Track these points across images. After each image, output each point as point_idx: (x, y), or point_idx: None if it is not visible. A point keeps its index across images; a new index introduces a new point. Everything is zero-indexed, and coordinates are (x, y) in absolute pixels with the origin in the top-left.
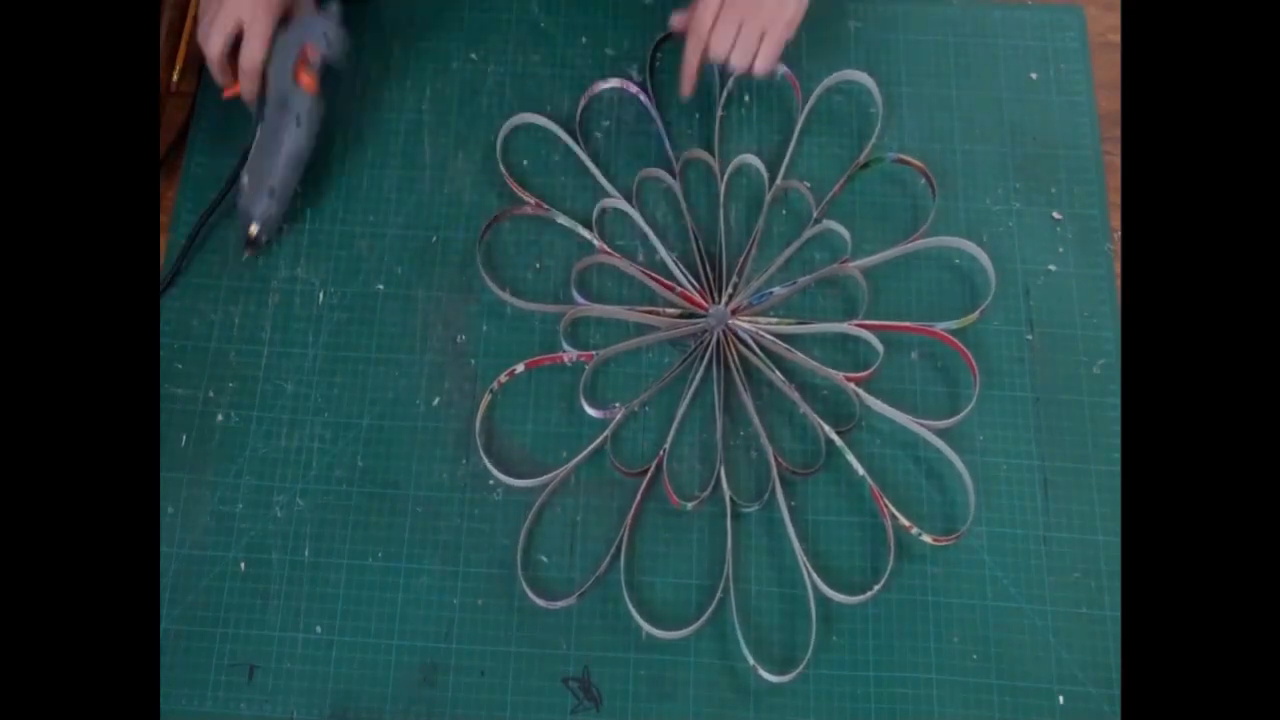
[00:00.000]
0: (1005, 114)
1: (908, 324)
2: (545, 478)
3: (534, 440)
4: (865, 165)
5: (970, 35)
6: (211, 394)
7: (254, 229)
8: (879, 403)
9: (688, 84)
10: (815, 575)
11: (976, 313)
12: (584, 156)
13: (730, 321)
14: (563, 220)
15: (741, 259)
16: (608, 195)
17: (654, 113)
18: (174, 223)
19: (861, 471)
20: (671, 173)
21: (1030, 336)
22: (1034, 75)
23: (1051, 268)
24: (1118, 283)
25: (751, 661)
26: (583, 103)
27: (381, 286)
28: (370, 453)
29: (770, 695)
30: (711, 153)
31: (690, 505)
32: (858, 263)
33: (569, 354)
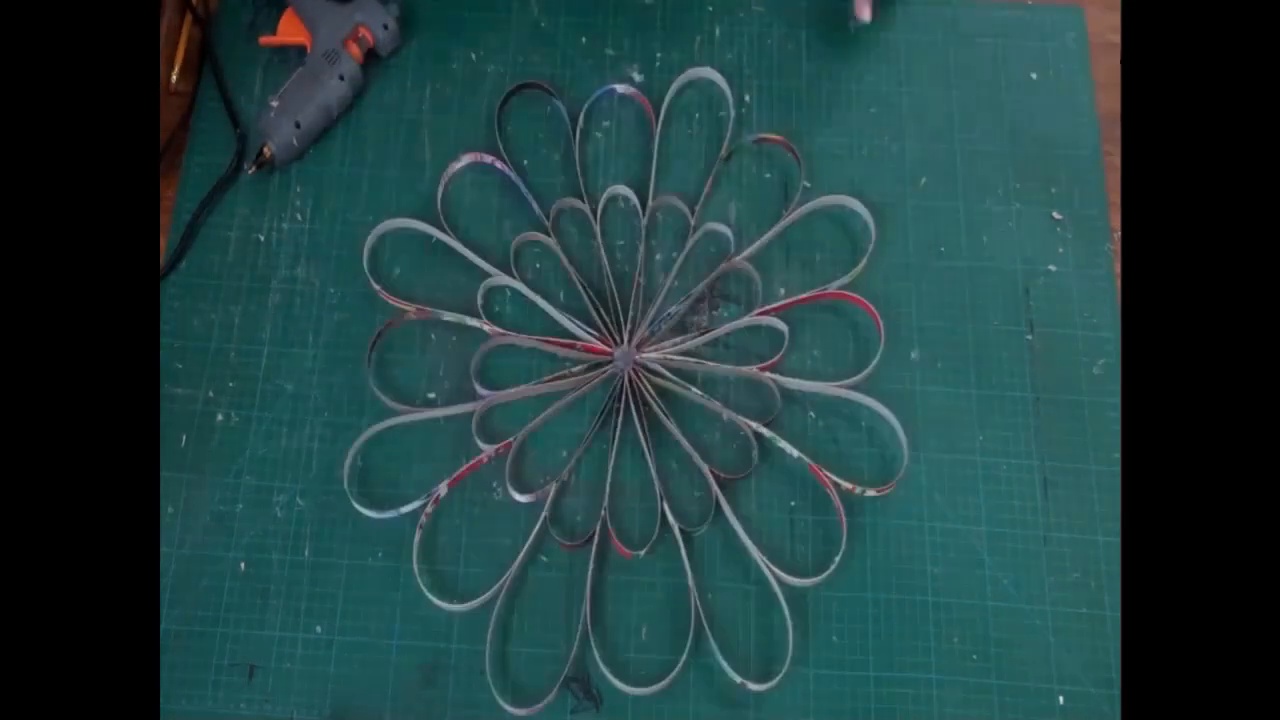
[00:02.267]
0: (1005, 114)
1: (803, 296)
2: (491, 593)
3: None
4: (728, 156)
5: (970, 35)
6: (211, 394)
7: (269, 149)
8: (795, 381)
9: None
10: (776, 569)
11: (863, 261)
12: (459, 247)
13: (637, 358)
14: (448, 317)
15: (633, 291)
16: (489, 275)
17: (515, 178)
18: (174, 222)
19: (795, 453)
20: (545, 230)
21: (1030, 337)
22: (1034, 75)
23: (1051, 268)
24: (1118, 283)
25: (739, 680)
26: (442, 186)
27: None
28: (368, 452)
29: (770, 695)
30: (580, 196)
31: (643, 553)
32: (743, 254)
33: (486, 451)
